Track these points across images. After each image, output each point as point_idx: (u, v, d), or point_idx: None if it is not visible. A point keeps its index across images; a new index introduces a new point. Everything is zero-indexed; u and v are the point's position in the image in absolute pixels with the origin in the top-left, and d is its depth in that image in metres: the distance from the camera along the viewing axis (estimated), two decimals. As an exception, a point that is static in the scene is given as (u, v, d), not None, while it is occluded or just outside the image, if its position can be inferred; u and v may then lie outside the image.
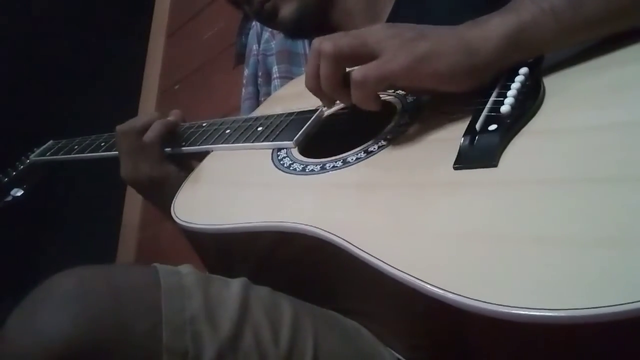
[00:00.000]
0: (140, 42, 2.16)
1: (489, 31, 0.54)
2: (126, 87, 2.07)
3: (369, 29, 0.58)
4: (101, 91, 1.88)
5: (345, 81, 0.58)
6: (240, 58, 1.13)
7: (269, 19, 0.86)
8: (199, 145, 0.80)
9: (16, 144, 1.09)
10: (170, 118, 0.85)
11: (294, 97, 0.82)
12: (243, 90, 1.09)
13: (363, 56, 0.56)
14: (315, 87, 0.60)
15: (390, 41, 0.55)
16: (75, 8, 1.92)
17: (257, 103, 1.04)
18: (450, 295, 0.40)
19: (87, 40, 1.92)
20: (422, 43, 0.54)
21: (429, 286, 0.42)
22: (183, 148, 0.82)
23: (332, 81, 0.58)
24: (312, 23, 0.84)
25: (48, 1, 1.89)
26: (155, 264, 0.53)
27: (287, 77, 0.96)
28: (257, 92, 1.06)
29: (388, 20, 0.83)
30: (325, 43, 0.57)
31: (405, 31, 0.56)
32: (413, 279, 0.43)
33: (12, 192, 1.07)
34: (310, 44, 0.95)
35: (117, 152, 0.90)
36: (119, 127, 0.85)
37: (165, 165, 0.82)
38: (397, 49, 0.54)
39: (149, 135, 0.81)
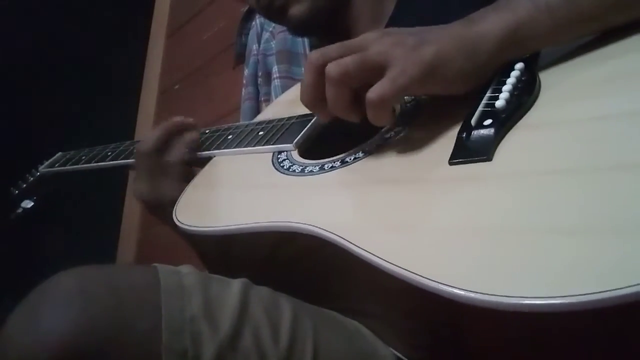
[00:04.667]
0: (140, 42, 2.16)
1: (486, 29, 0.54)
2: (126, 87, 2.07)
3: (366, 40, 0.56)
4: (101, 91, 1.88)
5: (355, 99, 0.57)
6: (240, 58, 1.13)
7: (277, 15, 0.85)
8: (201, 152, 0.81)
9: (16, 144, 1.10)
10: (188, 131, 0.81)
11: (297, 101, 0.82)
12: (243, 90, 1.09)
13: (370, 71, 0.54)
14: (312, 101, 0.59)
15: (394, 51, 0.54)
16: (75, 8, 1.92)
17: (257, 103, 1.05)
18: (449, 289, 0.40)
19: (87, 40, 1.92)
20: (425, 49, 0.53)
21: (429, 281, 0.42)
22: None
23: (343, 104, 0.57)
24: (320, 22, 0.84)
25: (48, 1, 1.89)
26: (155, 264, 0.53)
27: (287, 77, 0.96)
28: (257, 92, 1.06)
29: (390, 20, 0.83)
30: (331, 67, 0.56)
31: (405, 37, 0.55)
32: (413, 274, 0.43)
33: (23, 204, 1.08)
34: (310, 44, 0.96)
35: (123, 161, 0.91)
36: (137, 147, 0.81)
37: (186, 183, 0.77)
38: (404, 60, 0.53)
39: (173, 156, 0.78)
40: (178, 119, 0.82)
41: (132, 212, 1.99)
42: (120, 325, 0.46)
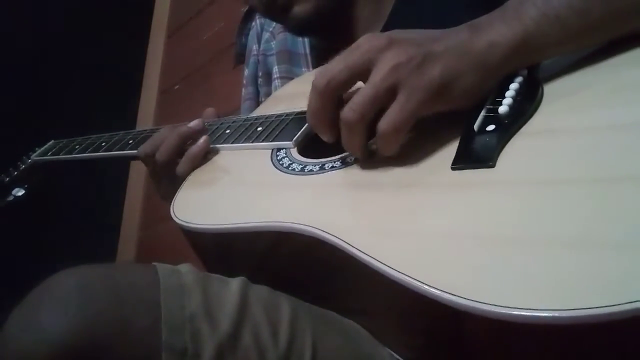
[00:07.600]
0: (140, 42, 2.16)
1: (494, 41, 0.53)
2: (126, 87, 2.07)
3: (369, 53, 0.54)
4: (101, 91, 1.88)
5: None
6: (240, 58, 1.13)
7: (280, 14, 0.85)
8: None
9: (17, 144, 1.10)
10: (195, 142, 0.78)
11: (294, 96, 0.82)
12: (243, 90, 1.09)
13: (382, 101, 0.53)
14: (320, 126, 0.59)
15: (400, 72, 0.52)
16: (76, 8, 1.92)
17: (257, 103, 1.04)
18: (446, 296, 0.40)
19: (87, 40, 1.92)
20: (432, 68, 0.52)
21: (425, 287, 0.42)
22: None
23: (361, 143, 0.56)
24: (323, 22, 0.84)
25: (48, 1, 1.89)
26: (154, 263, 0.53)
27: (287, 77, 0.96)
28: (257, 92, 1.05)
29: (389, 19, 0.83)
30: (347, 114, 0.54)
31: (410, 51, 0.53)
32: (410, 279, 0.43)
33: (14, 192, 1.07)
34: (310, 44, 0.96)
35: (119, 152, 0.91)
36: (155, 157, 0.80)
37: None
38: (411, 83, 0.52)
39: (179, 171, 0.76)
40: (194, 125, 0.79)
41: (132, 212, 1.99)
42: (119, 324, 0.46)
